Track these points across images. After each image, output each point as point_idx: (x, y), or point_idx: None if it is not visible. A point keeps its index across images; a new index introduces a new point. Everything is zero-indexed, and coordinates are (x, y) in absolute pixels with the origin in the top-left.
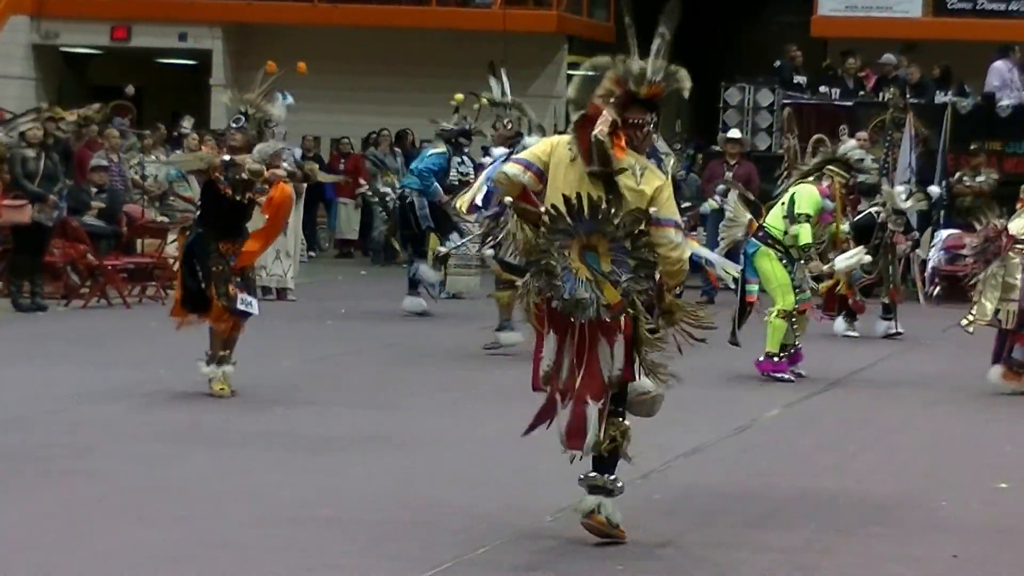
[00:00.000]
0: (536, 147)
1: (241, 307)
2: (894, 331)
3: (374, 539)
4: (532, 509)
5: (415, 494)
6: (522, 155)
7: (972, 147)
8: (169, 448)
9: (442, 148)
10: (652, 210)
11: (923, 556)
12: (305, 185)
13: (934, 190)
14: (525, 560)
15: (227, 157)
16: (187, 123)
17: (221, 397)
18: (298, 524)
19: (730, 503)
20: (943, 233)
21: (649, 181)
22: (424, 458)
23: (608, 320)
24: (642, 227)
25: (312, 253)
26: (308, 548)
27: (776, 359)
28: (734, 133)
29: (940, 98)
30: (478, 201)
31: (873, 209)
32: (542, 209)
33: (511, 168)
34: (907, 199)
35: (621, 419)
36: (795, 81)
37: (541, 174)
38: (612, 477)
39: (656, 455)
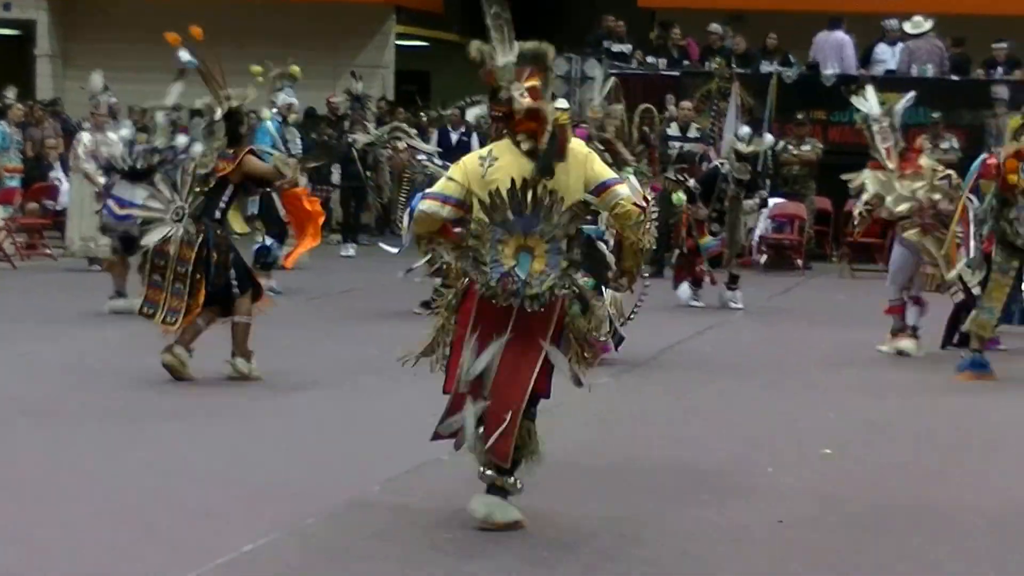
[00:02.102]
0: (448, 178)
1: None
2: (736, 304)
3: (202, 510)
4: (361, 480)
5: (243, 466)
6: (435, 189)
7: (798, 116)
8: None
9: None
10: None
11: (749, 522)
12: None
13: (768, 138)
14: (353, 529)
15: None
16: (11, 94)
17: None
18: (125, 496)
19: (557, 471)
20: (769, 202)
21: (576, 158)
22: (253, 430)
23: (538, 313)
24: (579, 227)
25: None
26: (134, 519)
27: None
28: (561, 104)
29: (766, 68)
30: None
31: (717, 162)
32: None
33: (427, 205)
34: (748, 145)
35: (530, 421)
36: (615, 50)
37: (461, 203)
38: (512, 480)
39: None
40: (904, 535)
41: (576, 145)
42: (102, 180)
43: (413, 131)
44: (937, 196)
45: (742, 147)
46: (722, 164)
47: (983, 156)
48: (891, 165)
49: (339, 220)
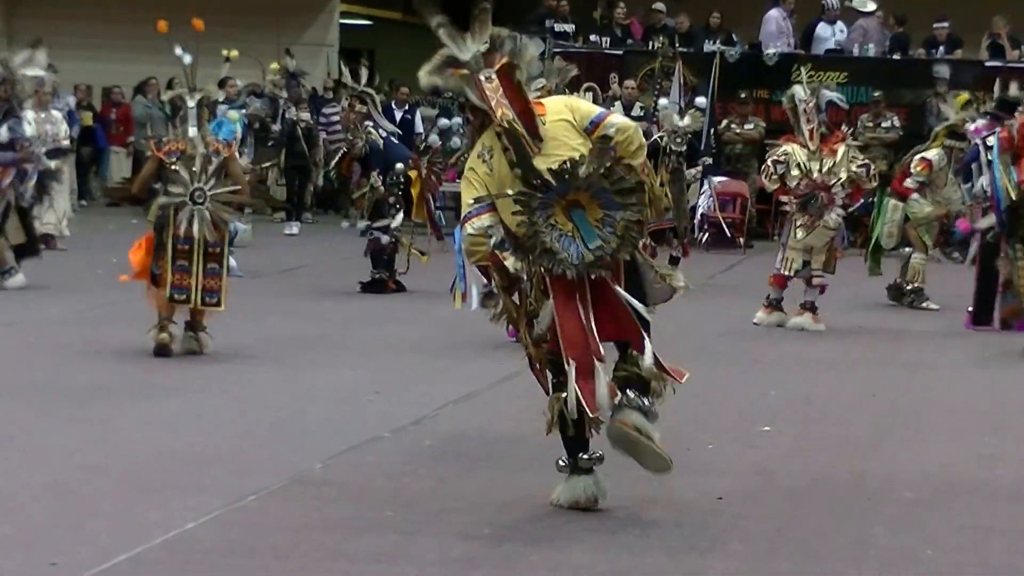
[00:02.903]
0: (473, 182)
1: None
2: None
3: (142, 487)
4: (301, 457)
5: (181, 443)
6: (467, 209)
7: (741, 95)
8: None
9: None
10: (584, 123)
11: (688, 498)
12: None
13: (700, 100)
14: (296, 507)
15: None
16: None
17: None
18: (65, 472)
19: (498, 448)
20: (713, 180)
21: (558, 114)
22: (189, 406)
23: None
24: (609, 159)
25: (83, 202)
26: (74, 497)
27: None
28: (538, 83)
29: (709, 47)
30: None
31: (657, 136)
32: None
33: (472, 226)
34: (682, 118)
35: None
36: (558, 30)
37: (493, 206)
38: (647, 401)
39: (427, 401)
40: (840, 509)
41: (551, 103)
42: (50, 162)
43: (379, 104)
44: (835, 180)
45: (676, 121)
46: (661, 137)
47: (996, 130)
48: (812, 146)
49: (275, 198)
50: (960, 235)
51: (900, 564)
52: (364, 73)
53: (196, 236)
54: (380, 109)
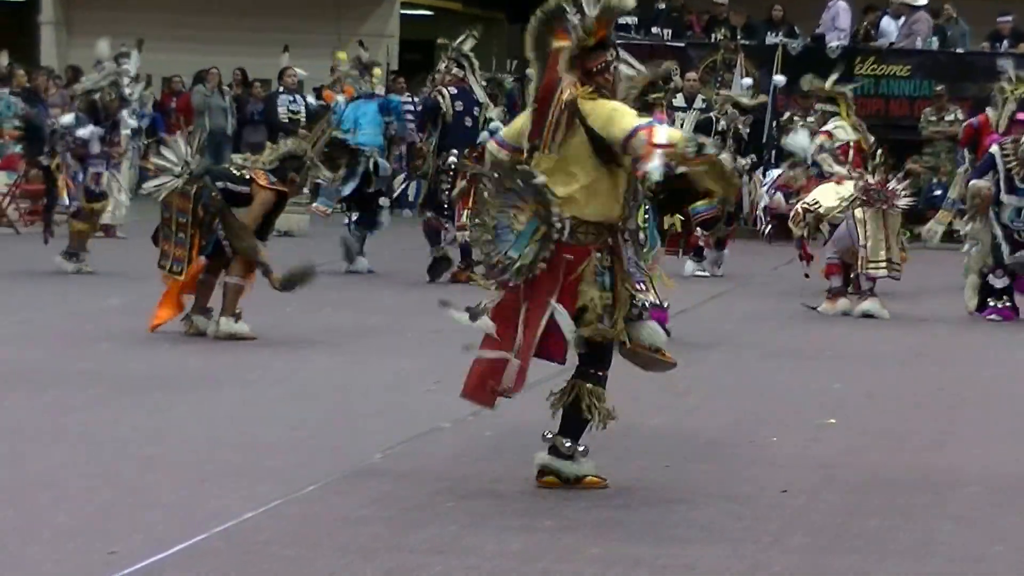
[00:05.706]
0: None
1: None
2: (704, 273)
3: (199, 478)
4: (359, 448)
5: (238, 433)
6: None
7: (804, 88)
8: None
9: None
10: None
11: (751, 491)
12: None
13: (779, 79)
14: (354, 498)
15: None
16: (3, 59)
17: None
18: (121, 463)
19: None
20: (774, 172)
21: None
22: (245, 397)
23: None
24: None
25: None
26: (131, 486)
27: None
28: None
29: (771, 39)
30: None
31: (712, 113)
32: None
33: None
34: (751, 99)
35: (590, 384)
36: (620, 22)
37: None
38: (568, 443)
39: None
40: (905, 504)
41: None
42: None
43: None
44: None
45: (745, 99)
46: (717, 119)
47: None
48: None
49: None
50: None
51: (966, 560)
52: (470, 41)
53: (173, 206)
54: (478, 76)
